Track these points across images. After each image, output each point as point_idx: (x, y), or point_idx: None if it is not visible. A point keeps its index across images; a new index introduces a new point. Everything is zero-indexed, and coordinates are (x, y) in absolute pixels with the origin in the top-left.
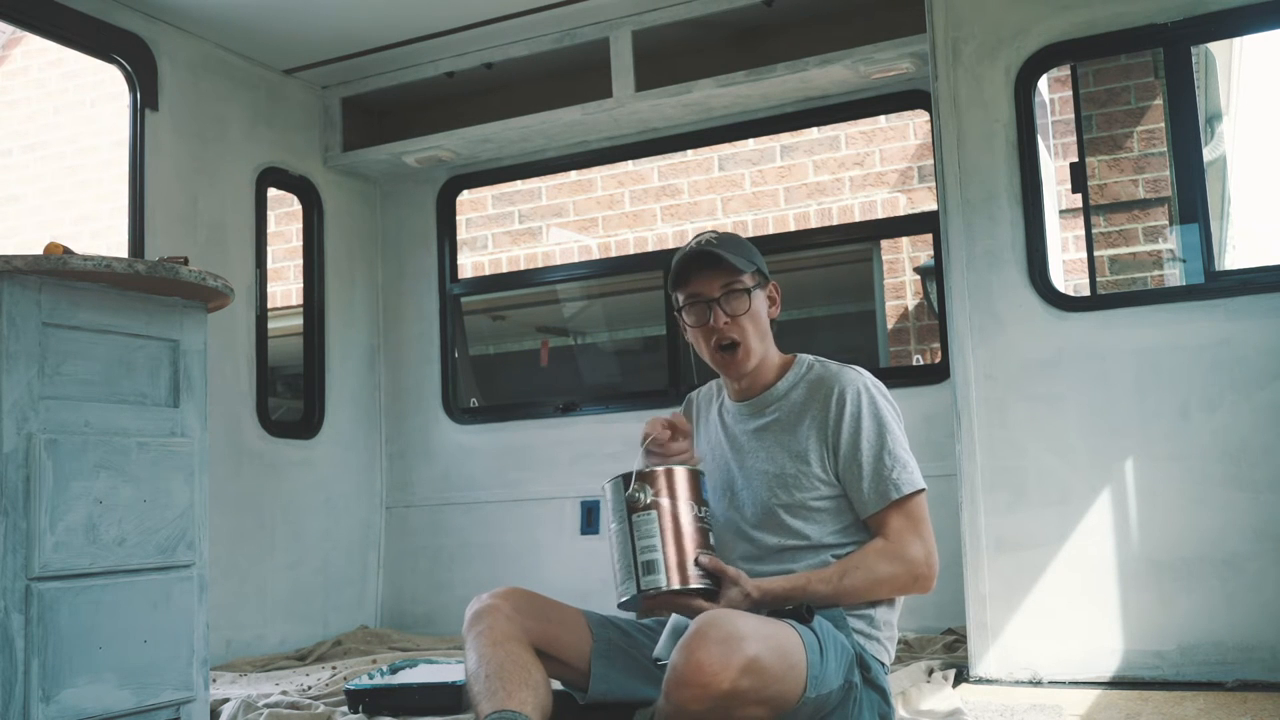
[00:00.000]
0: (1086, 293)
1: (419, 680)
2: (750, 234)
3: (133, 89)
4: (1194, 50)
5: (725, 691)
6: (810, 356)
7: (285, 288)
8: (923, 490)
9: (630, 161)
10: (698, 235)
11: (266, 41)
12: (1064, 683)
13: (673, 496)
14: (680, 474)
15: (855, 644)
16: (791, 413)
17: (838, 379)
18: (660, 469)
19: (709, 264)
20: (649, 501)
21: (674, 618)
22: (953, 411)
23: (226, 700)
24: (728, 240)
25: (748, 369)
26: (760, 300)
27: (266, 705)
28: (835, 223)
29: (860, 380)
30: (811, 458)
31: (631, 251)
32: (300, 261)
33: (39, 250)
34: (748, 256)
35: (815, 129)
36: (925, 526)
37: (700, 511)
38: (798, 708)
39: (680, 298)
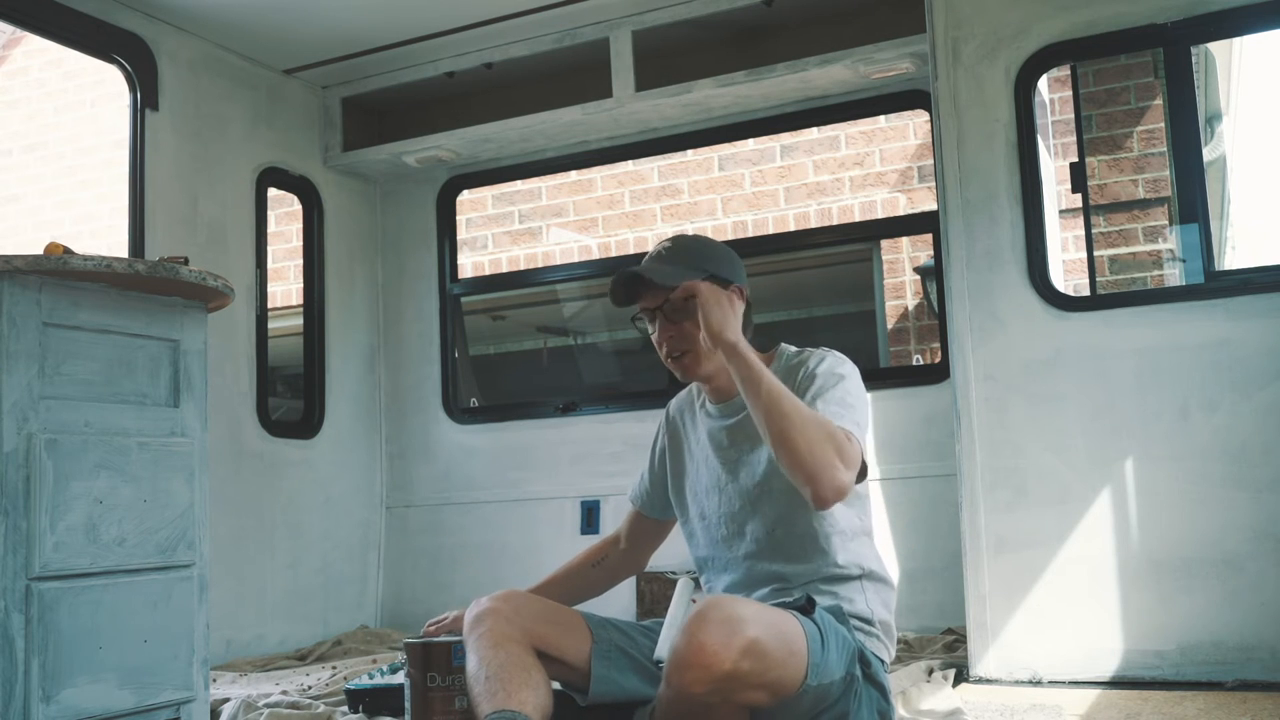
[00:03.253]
0: (1086, 293)
1: None
2: (750, 234)
3: (133, 89)
4: (1194, 50)
5: (727, 672)
6: (792, 348)
7: (285, 288)
8: (854, 436)
9: (630, 161)
10: (658, 244)
11: (266, 41)
12: (1064, 683)
13: (415, 668)
14: (424, 649)
15: (855, 639)
16: None
17: (809, 358)
18: (416, 643)
19: (640, 286)
20: (407, 671)
21: (670, 614)
22: (953, 411)
23: (226, 700)
24: (677, 249)
25: (699, 374)
26: None
27: (267, 705)
28: (835, 223)
29: (828, 354)
30: None
31: (631, 251)
32: (300, 261)
33: (39, 250)
34: (695, 264)
35: (815, 129)
36: (855, 451)
37: (445, 681)
38: (798, 695)
39: (636, 309)
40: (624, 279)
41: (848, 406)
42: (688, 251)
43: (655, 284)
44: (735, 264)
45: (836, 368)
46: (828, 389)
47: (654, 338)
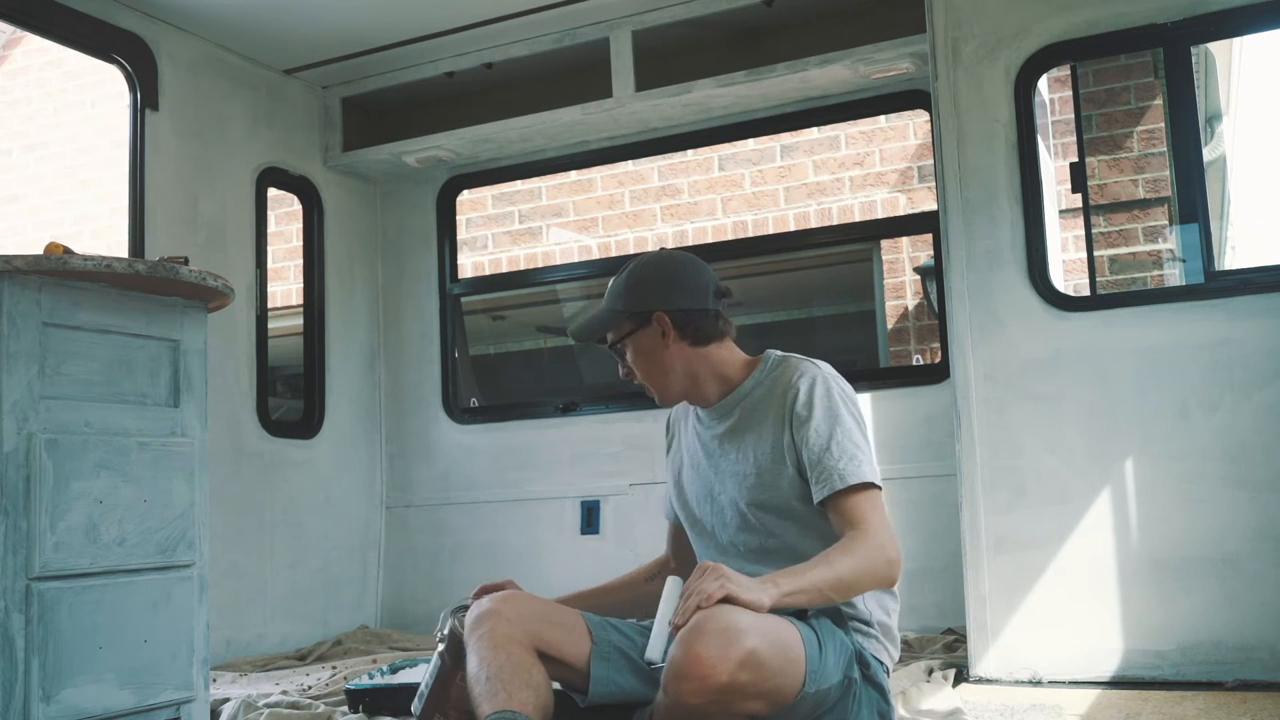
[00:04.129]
0: (1086, 293)
1: (419, 680)
2: (750, 234)
3: (133, 89)
4: (1194, 50)
5: (724, 684)
6: (777, 353)
7: (285, 288)
8: (871, 484)
9: (630, 161)
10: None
11: (266, 41)
12: (1064, 683)
13: (450, 654)
14: (464, 646)
15: (854, 641)
16: (755, 411)
17: (795, 371)
18: (461, 635)
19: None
20: (439, 651)
21: (659, 615)
22: (953, 411)
23: (226, 700)
24: (611, 290)
25: (664, 402)
26: (645, 339)
27: (267, 705)
28: (835, 223)
29: (815, 371)
30: (776, 453)
31: (631, 251)
32: (300, 261)
33: (39, 250)
34: (619, 305)
35: (815, 129)
36: (880, 515)
37: None
38: (796, 702)
39: None
40: (573, 336)
41: (856, 446)
42: (609, 295)
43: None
44: (662, 286)
45: (828, 394)
46: (828, 433)
47: None
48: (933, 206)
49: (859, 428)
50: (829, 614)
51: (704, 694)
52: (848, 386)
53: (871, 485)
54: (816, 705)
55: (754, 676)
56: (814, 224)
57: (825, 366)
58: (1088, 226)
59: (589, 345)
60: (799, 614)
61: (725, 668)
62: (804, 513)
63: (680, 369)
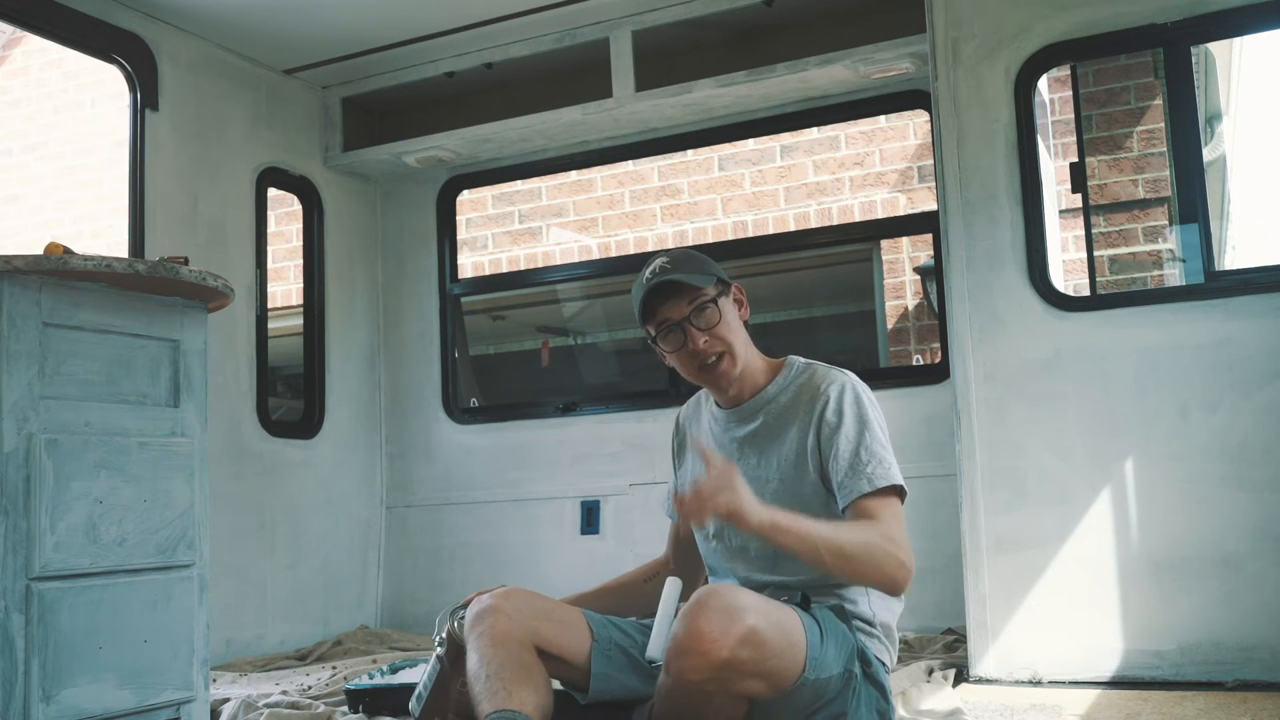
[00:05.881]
0: (1086, 293)
1: (418, 680)
2: (750, 234)
3: (133, 89)
4: (1194, 50)
5: (724, 660)
6: (801, 359)
7: (285, 288)
8: (899, 487)
9: (630, 161)
10: (649, 265)
11: (266, 41)
12: (1064, 683)
13: (450, 659)
14: (462, 652)
15: (856, 639)
16: (780, 416)
17: (824, 379)
18: (459, 640)
19: (669, 292)
20: (438, 655)
21: (660, 615)
22: (953, 411)
23: (226, 700)
24: (680, 260)
25: (736, 376)
26: (729, 307)
27: (267, 705)
28: (835, 223)
29: (845, 379)
30: (800, 459)
31: (631, 251)
32: (300, 261)
33: (39, 250)
34: (704, 270)
35: (815, 129)
36: (899, 523)
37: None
38: (796, 688)
39: (651, 330)
40: (656, 287)
41: (883, 447)
42: (692, 260)
43: (680, 293)
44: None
45: (858, 401)
46: (857, 439)
47: (679, 353)
48: (933, 206)
49: (884, 435)
50: (832, 608)
51: (705, 669)
52: (873, 396)
53: (898, 491)
54: (816, 695)
55: (754, 654)
56: (814, 224)
57: (852, 375)
58: (1088, 226)
59: (587, 344)
60: (802, 604)
61: (726, 643)
62: (828, 515)
63: (749, 344)
